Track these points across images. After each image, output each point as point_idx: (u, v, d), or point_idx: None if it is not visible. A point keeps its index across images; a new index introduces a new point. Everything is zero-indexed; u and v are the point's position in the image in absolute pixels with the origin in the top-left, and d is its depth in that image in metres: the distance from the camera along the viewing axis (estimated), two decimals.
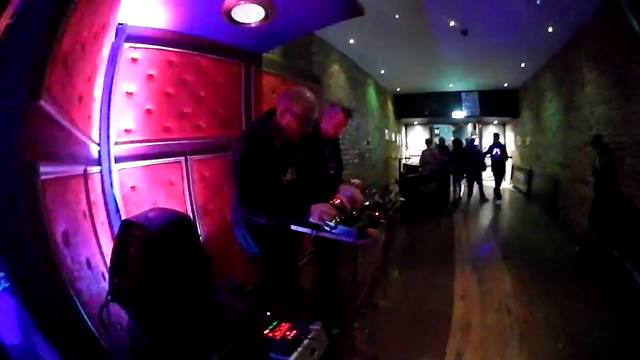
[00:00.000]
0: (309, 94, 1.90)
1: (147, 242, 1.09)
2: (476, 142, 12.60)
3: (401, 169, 10.67)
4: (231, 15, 2.24)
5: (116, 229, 1.97)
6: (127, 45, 2.11)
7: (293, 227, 1.82)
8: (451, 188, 8.76)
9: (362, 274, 2.50)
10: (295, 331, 1.72)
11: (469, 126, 16.97)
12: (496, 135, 9.87)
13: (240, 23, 2.34)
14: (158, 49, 2.29)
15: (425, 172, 8.37)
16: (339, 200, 2.05)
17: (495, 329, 3.04)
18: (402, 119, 14.88)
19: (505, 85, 11.54)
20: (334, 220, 1.73)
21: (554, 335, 2.89)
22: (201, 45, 2.53)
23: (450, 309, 3.36)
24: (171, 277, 1.13)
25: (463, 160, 8.75)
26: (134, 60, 2.17)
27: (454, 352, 2.68)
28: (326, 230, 1.75)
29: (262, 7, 2.20)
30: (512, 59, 8.30)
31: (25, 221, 0.82)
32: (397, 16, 5.44)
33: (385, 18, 5.38)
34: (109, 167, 2.12)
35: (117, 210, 2.15)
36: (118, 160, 2.19)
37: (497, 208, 8.55)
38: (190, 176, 2.61)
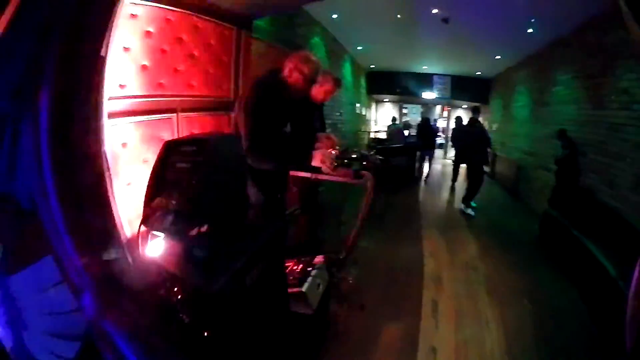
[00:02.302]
0: (315, 58, 2.07)
1: (200, 155, 1.16)
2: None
3: (369, 142, 10.98)
4: None
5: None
6: (127, 1, 2.09)
7: (293, 172, 2.01)
8: (417, 164, 9.05)
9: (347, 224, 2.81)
10: (301, 265, 1.94)
11: (437, 108, 17.46)
12: (475, 110, 6.79)
13: None
14: (157, 6, 2.28)
15: (391, 145, 8.58)
16: (334, 151, 2.26)
17: (464, 283, 3.38)
18: (374, 95, 15.09)
19: (478, 73, 11.97)
20: (333, 164, 1.98)
21: (519, 293, 3.22)
22: (198, 6, 2.54)
23: (421, 266, 3.69)
24: (219, 187, 1.22)
25: (430, 138, 9.02)
26: (133, 16, 2.16)
27: (430, 301, 3.00)
28: (325, 172, 1.97)
29: None
30: (488, 51, 8.62)
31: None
32: None
33: None
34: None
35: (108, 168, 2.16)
36: (111, 115, 2.19)
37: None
38: (179, 133, 2.63)
